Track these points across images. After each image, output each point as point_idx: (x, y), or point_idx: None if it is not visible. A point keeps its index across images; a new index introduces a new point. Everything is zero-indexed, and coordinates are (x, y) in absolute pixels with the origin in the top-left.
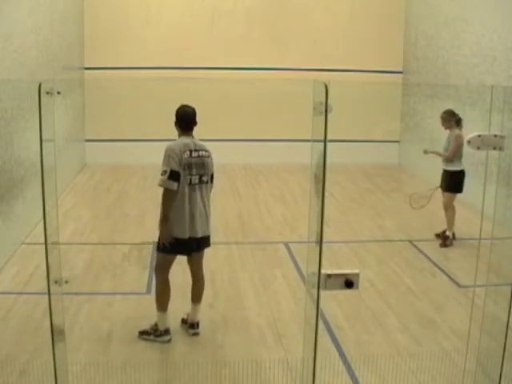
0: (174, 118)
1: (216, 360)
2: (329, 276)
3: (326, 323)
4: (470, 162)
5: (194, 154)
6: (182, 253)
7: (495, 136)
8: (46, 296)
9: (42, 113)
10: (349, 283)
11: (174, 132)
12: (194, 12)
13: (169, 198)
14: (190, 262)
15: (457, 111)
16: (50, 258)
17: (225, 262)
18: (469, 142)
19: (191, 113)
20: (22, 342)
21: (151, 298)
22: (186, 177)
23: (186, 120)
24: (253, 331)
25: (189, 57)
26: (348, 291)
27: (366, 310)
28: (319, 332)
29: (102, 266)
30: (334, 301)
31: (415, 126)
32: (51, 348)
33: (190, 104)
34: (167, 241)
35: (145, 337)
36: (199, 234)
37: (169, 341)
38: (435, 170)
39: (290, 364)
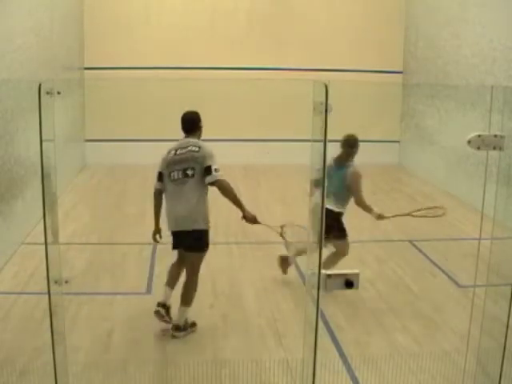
0: (174, 118)
1: (216, 360)
2: (329, 276)
3: (326, 323)
4: (470, 162)
5: (180, 152)
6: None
7: (495, 136)
8: (46, 296)
9: (42, 113)
10: (349, 283)
11: (173, 132)
12: (194, 12)
13: (154, 197)
14: (182, 263)
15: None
16: (49, 258)
17: (225, 262)
18: (469, 141)
19: (183, 118)
20: (22, 343)
21: (151, 297)
22: (169, 174)
23: (181, 124)
24: (253, 331)
25: (189, 57)
26: (348, 291)
27: (366, 310)
28: (319, 332)
29: (102, 266)
30: (334, 301)
31: (415, 126)
32: (51, 348)
33: (189, 104)
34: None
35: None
36: (179, 228)
37: None
38: (435, 170)
39: (290, 364)
